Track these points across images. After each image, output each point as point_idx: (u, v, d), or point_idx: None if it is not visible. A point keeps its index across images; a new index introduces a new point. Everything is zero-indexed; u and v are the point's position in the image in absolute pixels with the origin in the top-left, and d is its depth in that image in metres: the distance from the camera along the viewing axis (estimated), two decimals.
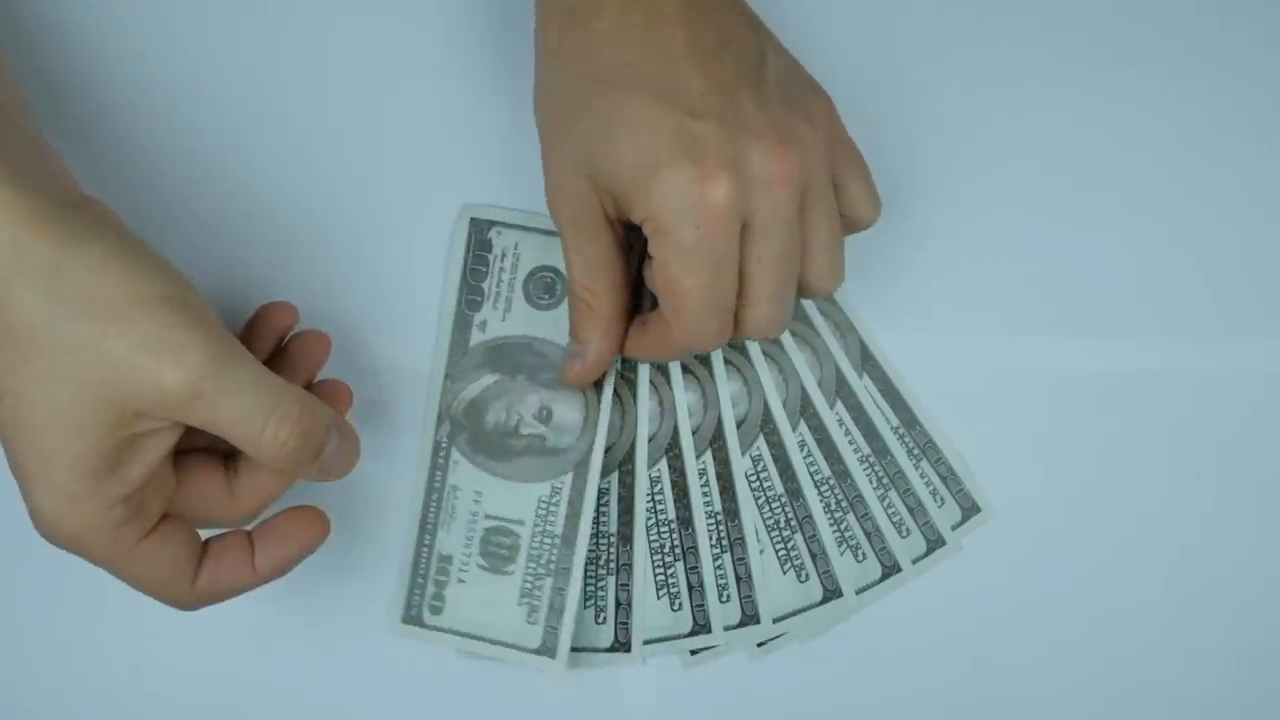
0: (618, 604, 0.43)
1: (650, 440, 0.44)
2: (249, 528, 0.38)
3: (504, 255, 0.44)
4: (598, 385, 0.43)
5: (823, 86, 0.39)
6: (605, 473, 0.43)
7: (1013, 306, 0.45)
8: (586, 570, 0.43)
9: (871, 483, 0.44)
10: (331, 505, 0.39)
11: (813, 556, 0.44)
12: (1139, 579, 0.44)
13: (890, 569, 0.44)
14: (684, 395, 0.44)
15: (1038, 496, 0.45)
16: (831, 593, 0.44)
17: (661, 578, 0.44)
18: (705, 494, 0.44)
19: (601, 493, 0.43)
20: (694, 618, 0.43)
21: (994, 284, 0.45)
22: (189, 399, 0.33)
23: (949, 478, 0.45)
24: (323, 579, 0.43)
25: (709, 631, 0.43)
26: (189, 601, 0.36)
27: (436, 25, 0.45)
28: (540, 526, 0.43)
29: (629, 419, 0.44)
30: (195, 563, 0.36)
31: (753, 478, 0.44)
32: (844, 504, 0.44)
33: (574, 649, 0.43)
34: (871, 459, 0.44)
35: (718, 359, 0.44)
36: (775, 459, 0.44)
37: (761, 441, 0.44)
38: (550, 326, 0.44)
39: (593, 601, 0.43)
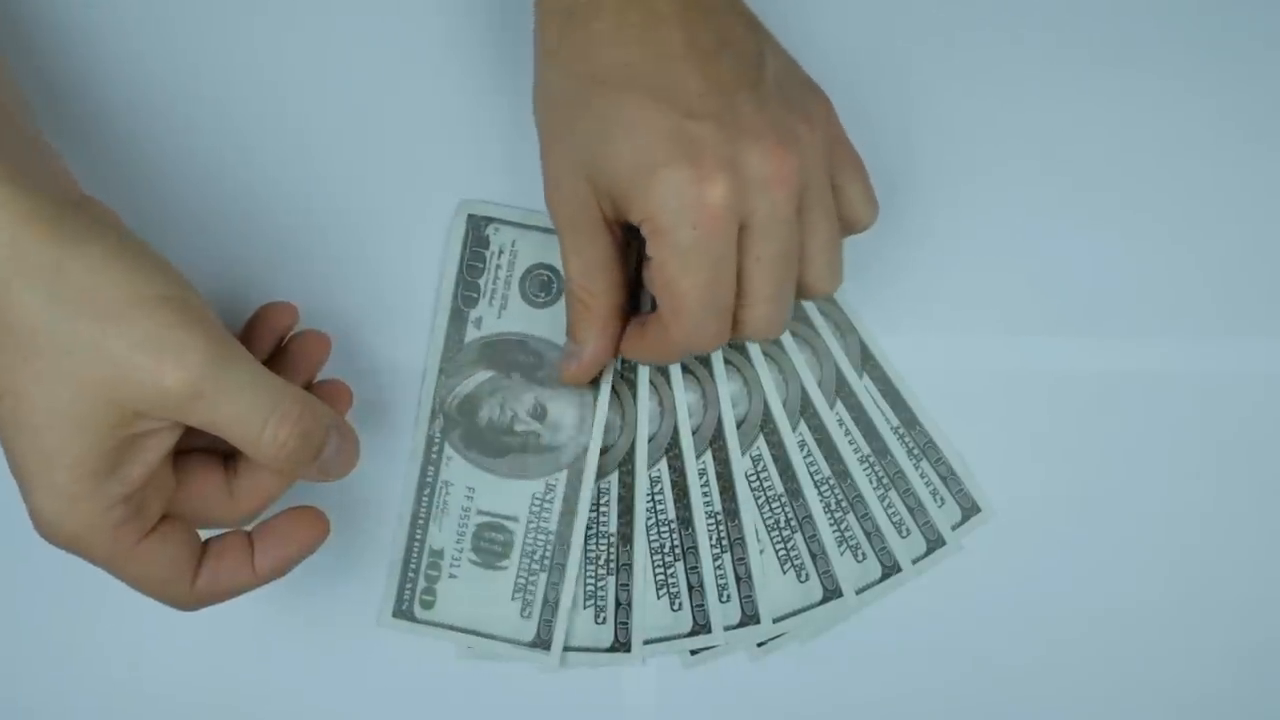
0: (618, 604, 0.43)
1: (650, 440, 0.44)
2: (249, 528, 0.38)
3: (501, 252, 0.44)
4: (594, 383, 0.43)
5: (821, 87, 0.39)
6: (605, 473, 0.44)
7: (1013, 306, 0.45)
8: (586, 570, 0.43)
9: (871, 483, 0.44)
10: (331, 505, 0.39)
11: (813, 556, 0.44)
12: (1139, 579, 0.44)
13: (890, 569, 0.44)
14: (684, 395, 0.44)
15: (1038, 496, 0.45)
16: (831, 593, 0.44)
17: (661, 578, 0.44)
18: (705, 494, 0.44)
19: (601, 492, 0.43)
20: (694, 618, 0.43)
21: (994, 284, 0.45)
22: (189, 399, 0.33)
23: (949, 478, 0.45)
24: (322, 578, 0.43)
25: (709, 631, 0.43)
26: (188, 602, 0.36)
27: (436, 25, 0.45)
28: (534, 523, 0.43)
29: (629, 419, 0.44)
30: (195, 563, 0.36)
31: (753, 478, 0.44)
32: (844, 504, 0.44)
33: (574, 649, 0.43)
34: (871, 459, 0.44)
35: (718, 359, 0.44)
36: (775, 459, 0.44)
37: (761, 441, 0.44)
38: (546, 324, 0.44)
39: (593, 601, 0.43)
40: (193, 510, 0.37)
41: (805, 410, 0.44)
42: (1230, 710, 0.44)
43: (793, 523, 0.44)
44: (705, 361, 0.44)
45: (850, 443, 0.44)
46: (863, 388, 0.45)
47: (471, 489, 0.43)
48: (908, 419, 0.45)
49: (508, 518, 0.43)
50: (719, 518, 0.44)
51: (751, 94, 0.36)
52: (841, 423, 0.44)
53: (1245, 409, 0.45)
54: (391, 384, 0.44)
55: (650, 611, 0.43)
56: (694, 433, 0.44)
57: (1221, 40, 0.46)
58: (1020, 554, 0.44)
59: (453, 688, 0.43)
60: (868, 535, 0.44)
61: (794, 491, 0.44)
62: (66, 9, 0.44)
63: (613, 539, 0.44)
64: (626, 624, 0.43)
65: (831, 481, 0.44)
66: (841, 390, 0.45)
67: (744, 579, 0.43)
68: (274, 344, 0.41)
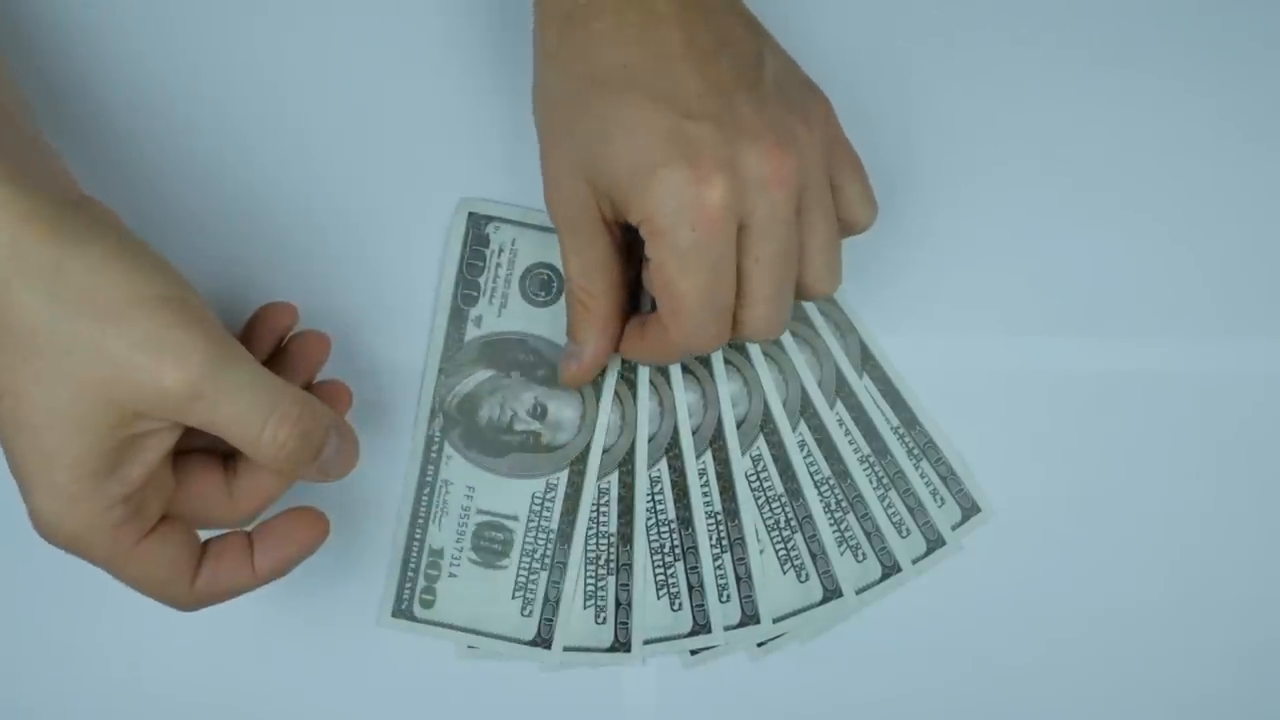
0: (618, 604, 0.43)
1: (650, 440, 0.44)
2: (248, 529, 0.38)
3: (501, 251, 0.44)
4: (595, 382, 0.43)
5: (821, 87, 0.39)
6: (605, 473, 0.44)
7: (1013, 306, 0.45)
8: (586, 570, 0.43)
9: (871, 483, 0.44)
10: (331, 505, 0.40)
11: (813, 556, 0.44)
12: (1139, 579, 0.44)
13: (890, 569, 0.44)
14: (684, 395, 0.44)
15: (1038, 496, 0.45)
16: (831, 593, 0.44)
17: (661, 578, 0.44)
18: (705, 494, 0.44)
19: (601, 492, 0.43)
20: (694, 618, 0.43)
21: (994, 284, 0.45)
22: (188, 399, 0.33)
23: (949, 478, 0.45)
24: (322, 578, 0.43)
25: (709, 631, 0.43)
26: (188, 602, 0.36)
27: (436, 25, 0.45)
28: (535, 522, 0.43)
29: (629, 419, 0.44)
30: (194, 563, 0.36)
31: (753, 478, 0.44)
32: (844, 504, 0.44)
33: (574, 649, 0.43)
34: (871, 459, 0.44)
35: (718, 359, 0.44)
36: (775, 459, 0.44)
37: (761, 441, 0.44)
38: (546, 324, 0.44)
39: (593, 601, 0.43)
40: (192, 510, 0.37)
41: (805, 410, 0.44)
42: (1230, 710, 0.44)
43: (793, 523, 0.44)
44: (705, 361, 0.44)
45: (850, 443, 0.44)
46: (863, 388, 0.45)
47: (471, 488, 0.43)
48: (908, 419, 0.45)
49: (508, 517, 0.43)
50: (719, 518, 0.44)
51: (750, 94, 0.36)
52: (841, 423, 0.44)
53: (1245, 409, 0.45)
54: (391, 383, 0.44)
55: (650, 611, 0.43)
56: (694, 433, 0.44)
57: (1221, 40, 0.46)
58: (1020, 554, 0.44)
59: (453, 687, 0.44)
60: (868, 535, 0.44)
61: (794, 491, 0.44)
62: (66, 9, 0.44)
63: (613, 539, 0.44)
64: (626, 624, 0.43)
65: (831, 481, 0.44)
66: (841, 390, 0.45)
67: (744, 579, 0.43)
68: (274, 344, 0.41)
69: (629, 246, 0.40)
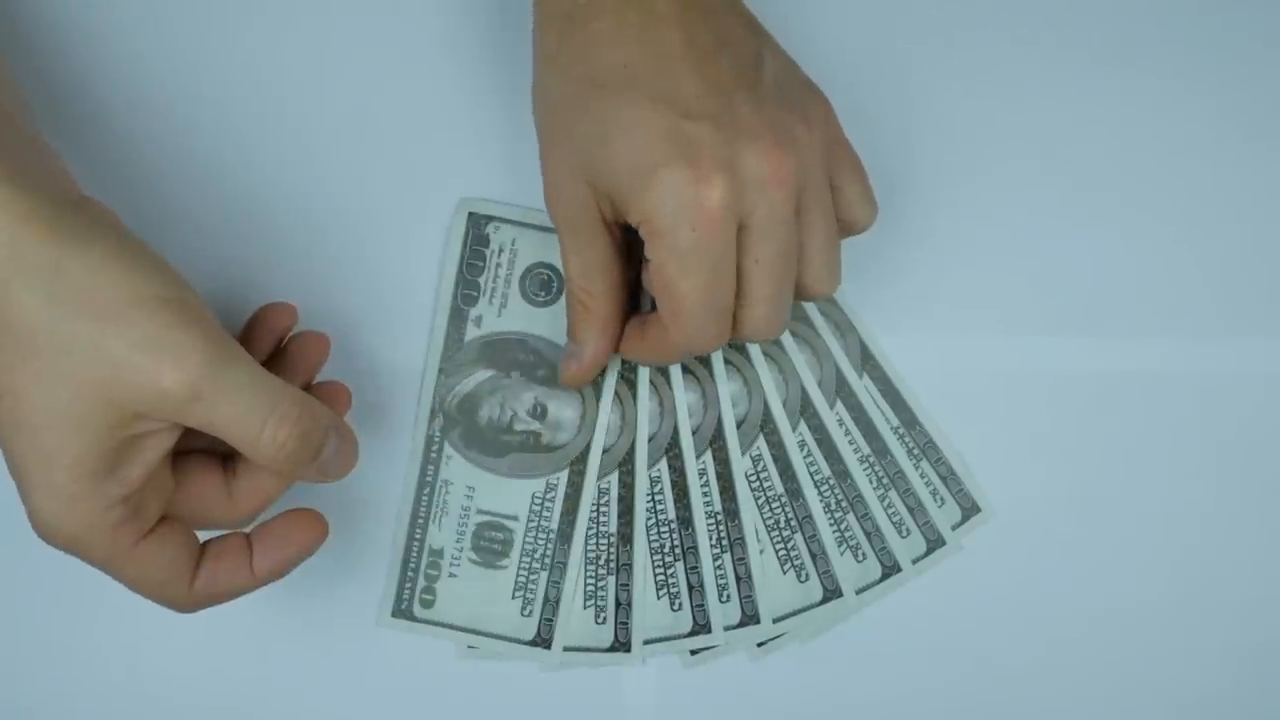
0: (618, 604, 0.43)
1: (650, 440, 0.44)
2: (247, 530, 0.38)
3: (501, 251, 0.44)
4: (595, 382, 0.43)
5: (821, 87, 0.39)
6: (605, 472, 0.44)
7: (1013, 306, 0.45)
8: (586, 570, 0.43)
9: (871, 483, 0.44)
10: (331, 505, 0.40)
11: (813, 556, 0.44)
12: (1139, 579, 0.44)
13: (890, 569, 0.44)
14: (684, 395, 0.44)
15: (1038, 496, 0.45)
16: (831, 593, 0.44)
17: (661, 578, 0.44)
18: (705, 494, 0.44)
19: (601, 492, 0.43)
20: (694, 618, 0.43)
21: (994, 284, 0.45)
22: (187, 400, 0.33)
23: (949, 478, 0.45)
24: (322, 578, 0.43)
25: (709, 631, 0.43)
26: (187, 603, 0.36)
27: (435, 25, 0.45)
28: (535, 522, 0.43)
29: (629, 419, 0.44)
30: (193, 564, 0.36)
31: (753, 478, 0.44)
32: (844, 504, 0.44)
33: (574, 649, 0.43)
34: (871, 459, 0.44)
35: (718, 359, 0.44)
36: (775, 459, 0.44)
37: (761, 441, 0.44)
38: (546, 323, 0.44)
39: (593, 601, 0.43)
40: (191, 511, 0.37)
41: (805, 410, 0.44)
42: (1230, 710, 0.44)
43: (793, 523, 0.44)
44: (705, 361, 0.44)
45: (850, 443, 0.44)
46: (863, 388, 0.45)
47: (471, 488, 0.43)
48: (908, 419, 0.45)
49: (508, 517, 0.43)
50: (719, 518, 0.44)
51: (750, 94, 0.36)
52: (841, 423, 0.44)
53: (1245, 409, 0.45)
54: (391, 384, 0.44)
55: (650, 611, 0.43)
56: (694, 433, 0.44)
57: (1221, 40, 0.46)
58: (1020, 554, 0.44)
59: (453, 688, 0.43)
60: (868, 535, 0.44)
61: (794, 491, 0.44)
62: (66, 9, 0.44)
63: (613, 539, 0.44)
64: (626, 624, 0.43)
65: (831, 481, 0.44)
66: (841, 390, 0.45)
67: (744, 579, 0.43)
68: (273, 345, 0.41)
69: (629, 246, 0.40)
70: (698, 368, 0.44)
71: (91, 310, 0.32)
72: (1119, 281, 0.45)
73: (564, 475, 0.43)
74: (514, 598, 0.43)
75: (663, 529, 0.44)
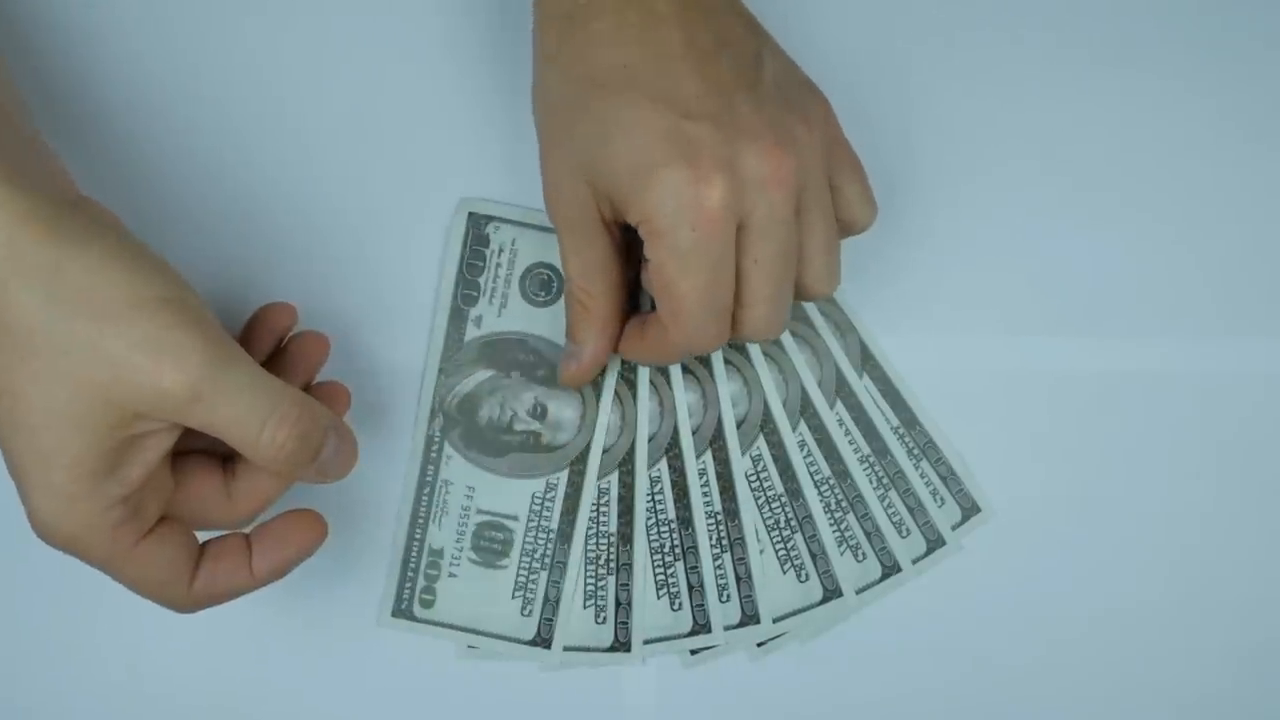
0: (618, 604, 0.43)
1: (650, 440, 0.44)
2: (247, 530, 0.38)
3: (501, 251, 0.44)
4: (595, 382, 0.43)
5: (821, 88, 0.39)
6: (605, 472, 0.43)
7: (1013, 306, 0.45)
8: (586, 570, 0.43)
9: (871, 483, 0.44)
10: (330, 505, 0.40)
11: (813, 556, 0.44)
12: (1139, 579, 0.44)
13: (890, 569, 0.44)
14: (684, 395, 0.44)
15: (1038, 496, 0.45)
16: (831, 593, 0.44)
17: (661, 577, 0.44)
18: (705, 494, 0.44)
19: (601, 492, 0.43)
20: (694, 618, 0.43)
21: (994, 284, 0.45)
22: (187, 401, 0.33)
23: (949, 478, 0.45)
24: (322, 578, 0.43)
25: (709, 631, 0.43)
26: (186, 604, 0.36)
27: (435, 25, 0.45)
28: (535, 522, 0.43)
29: (629, 419, 0.44)
30: (193, 565, 0.36)
31: (753, 478, 0.44)
32: (844, 504, 0.44)
33: (574, 649, 0.43)
34: (871, 459, 0.44)
35: (718, 359, 0.44)
36: (775, 459, 0.44)
37: (761, 441, 0.44)
38: (546, 323, 0.44)
39: (593, 601, 0.43)
40: (191, 512, 0.37)
41: (805, 410, 0.44)
42: (1230, 710, 0.44)
43: (793, 523, 0.44)
44: (705, 361, 0.44)
45: (850, 443, 0.44)
46: (863, 388, 0.45)
47: (471, 488, 0.43)
48: (908, 419, 0.45)
49: (508, 517, 0.43)
50: (719, 518, 0.44)
51: (749, 94, 0.36)
52: (841, 423, 0.44)
53: (1245, 409, 0.45)
54: (391, 384, 0.44)
55: (650, 611, 0.43)
56: (694, 433, 0.44)
57: (1221, 40, 0.46)
58: (1020, 554, 0.44)
59: (453, 687, 0.43)
60: (868, 535, 0.44)
61: (794, 491, 0.44)
62: (66, 9, 0.44)
63: (613, 539, 0.44)
64: (626, 624, 0.43)
65: (831, 481, 0.44)
66: (841, 390, 0.45)
67: (744, 579, 0.43)
68: (273, 345, 0.41)
69: (629, 246, 0.40)
70: (698, 368, 0.44)
71: (90, 310, 0.32)
72: (1119, 281, 0.45)
73: (564, 475, 0.43)
74: (514, 597, 0.43)
75: (663, 529, 0.44)
